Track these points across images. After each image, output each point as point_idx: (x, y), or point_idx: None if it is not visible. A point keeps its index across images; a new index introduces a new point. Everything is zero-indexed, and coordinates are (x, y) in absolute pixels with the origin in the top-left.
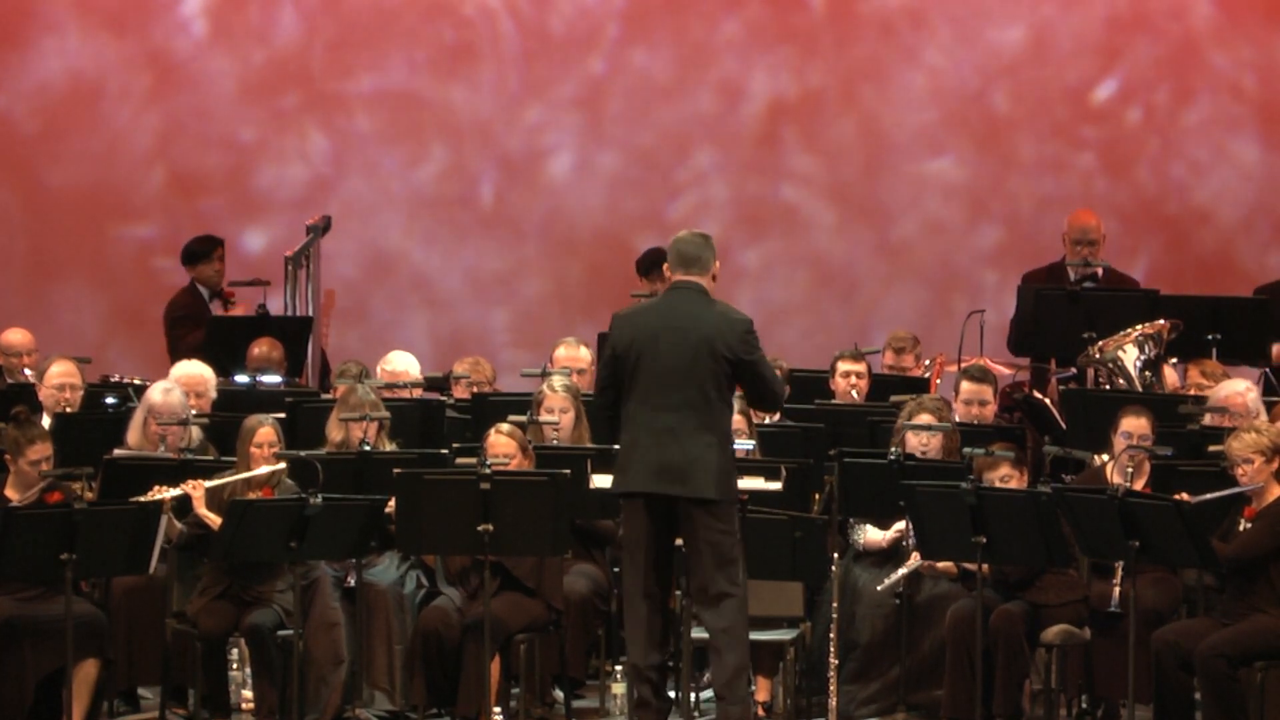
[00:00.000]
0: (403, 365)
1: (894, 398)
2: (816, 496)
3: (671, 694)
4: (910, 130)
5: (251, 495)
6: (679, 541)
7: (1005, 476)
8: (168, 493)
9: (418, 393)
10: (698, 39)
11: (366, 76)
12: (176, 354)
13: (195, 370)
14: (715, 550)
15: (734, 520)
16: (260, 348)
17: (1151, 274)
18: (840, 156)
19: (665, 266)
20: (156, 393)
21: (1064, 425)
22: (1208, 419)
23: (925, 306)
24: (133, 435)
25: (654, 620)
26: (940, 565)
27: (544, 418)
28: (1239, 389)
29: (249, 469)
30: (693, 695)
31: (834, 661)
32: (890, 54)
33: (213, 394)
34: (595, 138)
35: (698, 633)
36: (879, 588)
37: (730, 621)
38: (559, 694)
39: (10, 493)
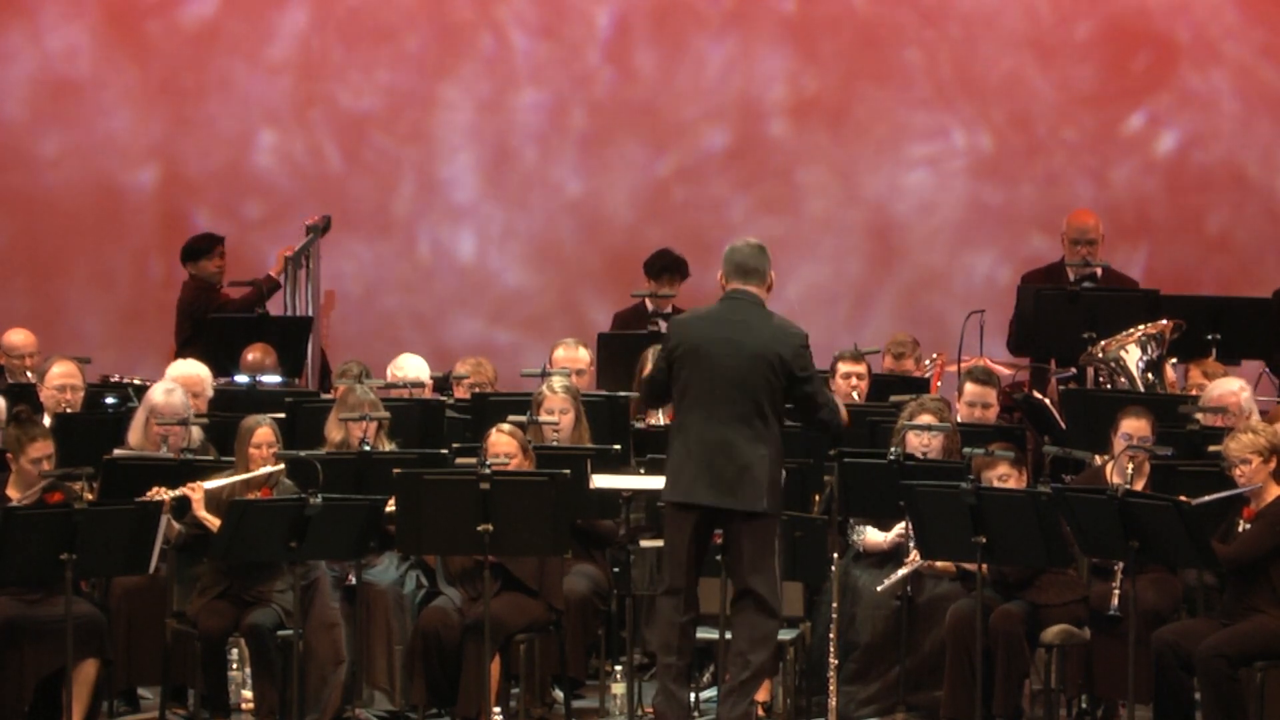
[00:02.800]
0: (413, 369)
1: (894, 398)
2: (816, 497)
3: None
4: (916, 128)
5: (250, 496)
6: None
7: (1003, 476)
8: (166, 494)
9: (424, 393)
10: (701, 39)
11: (366, 73)
12: (188, 344)
13: (191, 370)
14: (755, 561)
15: (775, 533)
16: (253, 353)
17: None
18: (844, 156)
19: (720, 275)
20: (158, 393)
21: (1064, 425)
22: (1200, 418)
23: (925, 306)
24: (134, 435)
25: (685, 619)
26: (939, 565)
27: (544, 418)
28: (1233, 388)
29: (247, 469)
30: (692, 695)
31: (834, 662)
32: (894, 54)
33: (209, 393)
34: (597, 137)
35: (702, 633)
36: (879, 589)
37: (760, 631)
38: (559, 694)
39: (11, 491)
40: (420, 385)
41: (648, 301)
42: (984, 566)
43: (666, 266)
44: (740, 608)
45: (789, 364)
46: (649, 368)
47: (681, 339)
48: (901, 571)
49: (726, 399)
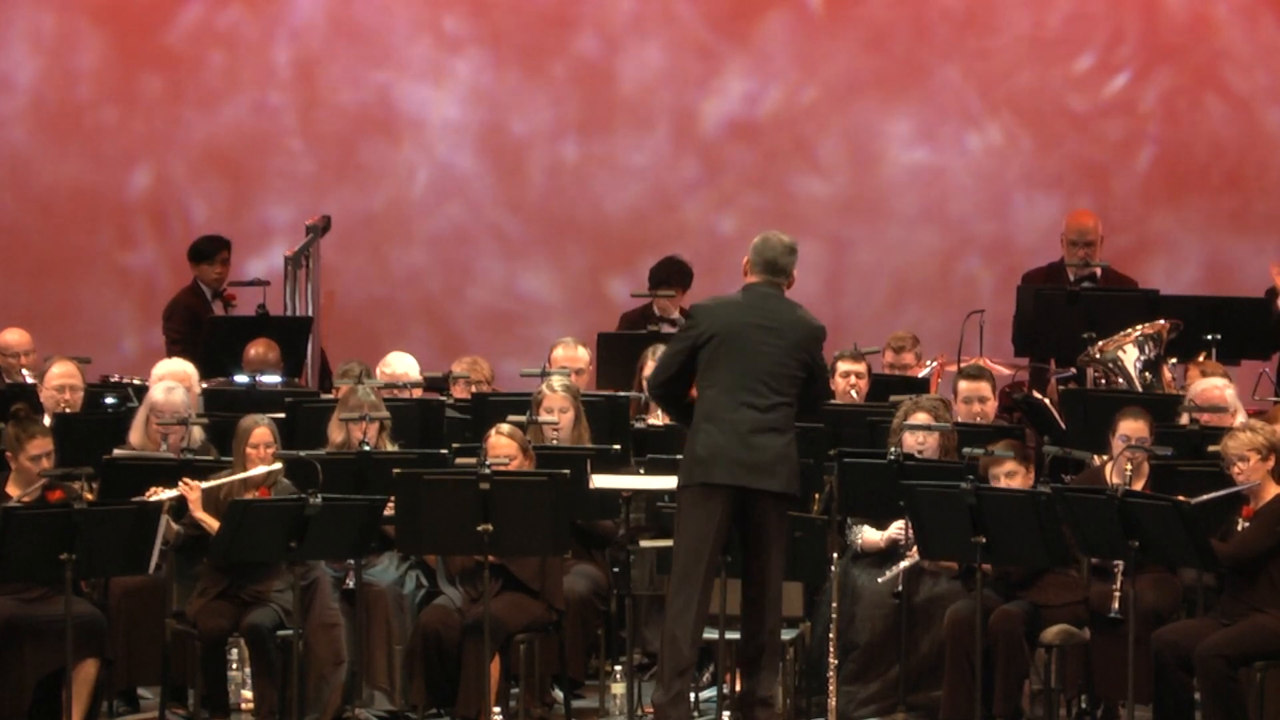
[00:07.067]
0: (402, 367)
1: (894, 398)
2: (816, 496)
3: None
4: (934, 132)
5: (248, 495)
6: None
7: (1011, 472)
8: (163, 494)
9: (418, 393)
10: (705, 39)
11: (366, 73)
12: (169, 351)
13: (177, 367)
14: (780, 548)
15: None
16: (256, 349)
17: None
18: (847, 155)
19: (745, 262)
20: (159, 392)
21: (1063, 425)
22: (1185, 419)
23: (926, 306)
24: (135, 435)
25: (703, 612)
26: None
27: (544, 418)
28: (1217, 383)
29: (245, 469)
30: (691, 695)
31: (833, 661)
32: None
33: (197, 389)
34: (597, 137)
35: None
36: (880, 580)
37: (777, 622)
38: (558, 694)
39: (11, 489)
40: (417, 385)
41: (655, 305)
42: (983, 566)
43: (665, 279)
44: (765, 590)
45: (814, 353)
46: (649, 367)
47: (711, 324)
48: (902, 564)
49: (761, 384)
